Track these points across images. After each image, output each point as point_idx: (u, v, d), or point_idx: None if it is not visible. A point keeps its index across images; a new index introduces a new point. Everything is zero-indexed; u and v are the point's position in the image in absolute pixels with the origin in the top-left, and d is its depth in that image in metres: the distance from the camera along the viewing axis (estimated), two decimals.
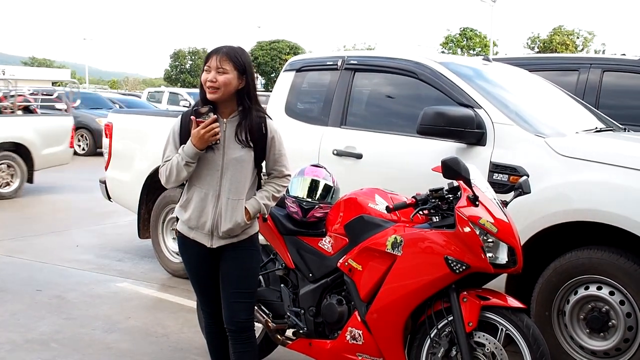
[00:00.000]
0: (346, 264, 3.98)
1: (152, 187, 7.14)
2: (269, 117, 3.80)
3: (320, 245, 4.22)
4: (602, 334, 4.33)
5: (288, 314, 4.33)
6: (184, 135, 3.66)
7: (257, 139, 3.70)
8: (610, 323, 4.27)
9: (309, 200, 4.32)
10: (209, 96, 3.58)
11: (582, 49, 54.96)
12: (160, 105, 28.66)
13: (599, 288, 4.30)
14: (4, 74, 60.43)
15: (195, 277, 3.90)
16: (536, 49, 56.25)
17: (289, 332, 4.41)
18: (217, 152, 3.62)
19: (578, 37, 56.79)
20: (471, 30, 64.60)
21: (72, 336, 5.27)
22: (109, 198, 7.87)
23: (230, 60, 3.58)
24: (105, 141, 7.69)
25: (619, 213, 4.18)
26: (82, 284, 6.70)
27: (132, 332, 5.41)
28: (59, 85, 54.68)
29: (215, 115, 3.55)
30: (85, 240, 8.73)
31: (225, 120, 3.65)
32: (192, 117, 3.52)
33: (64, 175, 14.56)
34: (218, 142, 3.57)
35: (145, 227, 7.32)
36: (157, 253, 7.22)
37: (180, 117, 3.78)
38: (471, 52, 59.98)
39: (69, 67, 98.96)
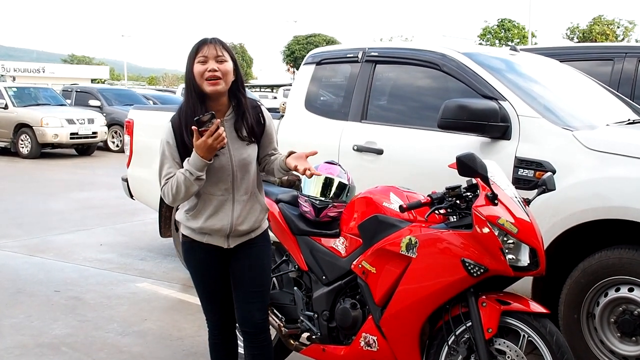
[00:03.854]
0: (360, 266, 3.80)
1: None
2: (260, 103, 3.63)
3: (334, 246, 4.04)
4: (634, 338, 4.09)
5: (301, 318, 4.17)
6: (181, 146, 3.36)
7: (258, 131, 3.53)
8: None
9: (322, 199, 4.15)
10: (210, 89, 3.31)
11: (623, 39, 54.05)
12: None
13: (631, 289, 4.07)
14: (43, 71, 61.50)
15: (204, 282, 3.65)
16: (575, 40, 55.47)
17: (303, 337, 4.25)
18: (223, 156, 3.39)
19: (618, 27, 55.89)
20: (509, 22, 63.98)
21: (84, 339, 5.17)
22: (131, 196, 7.76)
23: (226, 49, 3.39)
24: (126, 138, 7.59)
25: None
26: (101, 285, 6.63)
27: (146, 335, 5.30)
28: (98, 82, 55.39)
29: (219, 120, 3.23)
30: (110, 238, 8.68)
31: (222, 120, 3.39)
32: (193, 127, 3.19)
33: (96, 171, 14.63)
34: (224, 146, 3.30)
35: (166, 225, 7.19)
36: (178, 252, 7.05)
37: (169, 127, 3.41)
38: (509, 43, 59.25)
39: (108, 64, 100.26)
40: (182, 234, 3.60)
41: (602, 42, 46.38)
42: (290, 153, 3.51)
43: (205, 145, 3.19)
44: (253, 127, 3.48)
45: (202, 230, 3.47)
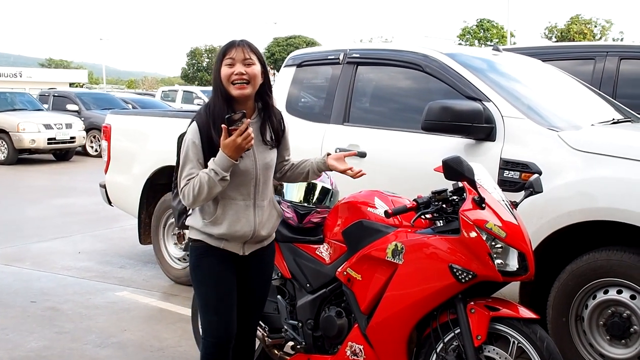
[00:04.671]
0: (345, 273, 3.72)
1: (153, 191, 6.93)
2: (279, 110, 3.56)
3: (318, 253, 3.96)
4: (623, 340, 4.05)
5: (285, 327, 4.08)
6: (207, 146, 3.24)
7: (280, 136, 3.47)
8: (632, 329, 3.99)
9: (305, 204, 4.07)
10: (237, 92, 3.21)
11: (600, 38, 54.34)
12: (175, 104, 28.56)
13: (619, 292, 4.02)
14: (20, 76, 61.02)
15: (214, 292, 3.41)
16: (553, 39, 55.75)
17: (287, 347, 4.16)
18: (248, 159, 3.28)
19: (596, 26, 56.18)
20: (488, 22, 64.20)
21: (61, 352, 5.03)
22: (110, 203, 7.63)
23: (254, 52, 3.28)
24: (103, 144, 7.47)
25: None
26: (79, 294, 6.48)
27: (126, 346, 5.16)
28: (76, 86, 55.08)
29: (249, 120, 3.13)
30: (88, 246, 8.53)
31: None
32: (223, 125, 3.07)
33: (75, 177, 14.46)
34: (250, 148, 3.19)
35: (146, 232, 7.10)
36: (159, 259, 6.99)
37: (195, 126, 3.28)
38: (488, 43, 59.52)
39: (87, 67, 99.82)
40: (193, 239, 3.43)
41: (580, 41, 46.71)
42: (328, 154, 3.60)
43: (234, 145, 3.09)
44: (278, 131, 3.43)
45: (223, 236, 3.35)
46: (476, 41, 61.92)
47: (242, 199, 3.32)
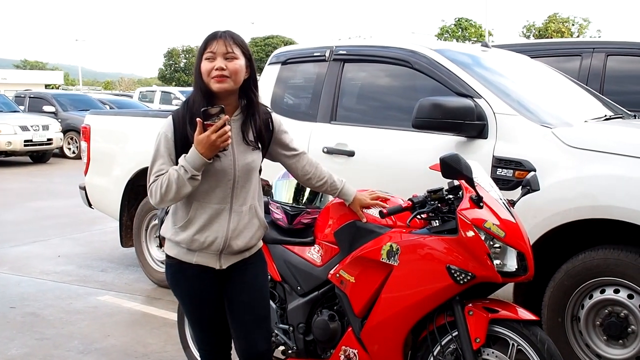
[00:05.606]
0: (337, 275, 3.61)
1: (134, 192, 6.80)
2: (270, 110, 3.31)
3: (309, 255, 3.84)
4: (621, 341, 3.99)
5: (276, 331, 3.96)
6: (180, 142, 3.01)
7: (266, 137, 3.21)
8: (629, 329, 3.94)
9: (295, 205, 3.96)
10: (216, 86, 2.96)
11: (578, 36, 54.73)
12: (153, 105, 28.38)
13: (616, 291, 3.96)
14: None
15: (195, 309, 3.22)
16: (532, 38, 56.03)
17: (278, 352, 4.05)
18: (225, 158, 3.02)
19: (573, 24, 56.56)
20: (466, 21, 64.47)
21: (43, 359, 4.89)
22: (90, 205, 7.48)
23: (238, 44, 3.02)
24: (83, 145, 7.31)
25: (637, 209, 3.81)
26: (60, 299, 6.34)
27: (109, 352, 5.03)
28: (52, 88, 54.63)
29: (227, 117, 2.89)
30: (68, 249, 8.37)
31: (230, 119, 3.04)
32: (198, 119, 2.85)
33: (53, 179, 14.26)
34: (227, 148, 2.96)
35: (128, 234, 6.96)
36: (141, 262, 6.86)
37: (170, 120, 3.07)
38: (467, 42, 59.79)
39: (63, 69, 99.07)
40: (168, 256, 3.20)
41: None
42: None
43: (208, 141, 2.85)
44: (261, 131, 3.16)
45: (192, 246, 3.08)
46: (454, 40, 62.14)
47: (216, 202, 3.07)
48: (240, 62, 3.02)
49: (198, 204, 3.06)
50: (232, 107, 3.09)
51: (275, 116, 3.32)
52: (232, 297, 3.22)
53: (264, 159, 3.32)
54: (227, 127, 2.88)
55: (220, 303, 3.23)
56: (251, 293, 3.23)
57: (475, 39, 57.47)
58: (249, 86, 3.10)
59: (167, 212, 3.29)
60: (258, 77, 3.51)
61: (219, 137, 2.85)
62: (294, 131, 5.29)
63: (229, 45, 2.99)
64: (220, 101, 3.02)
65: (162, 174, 2.97)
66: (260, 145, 3.18)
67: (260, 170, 3.28)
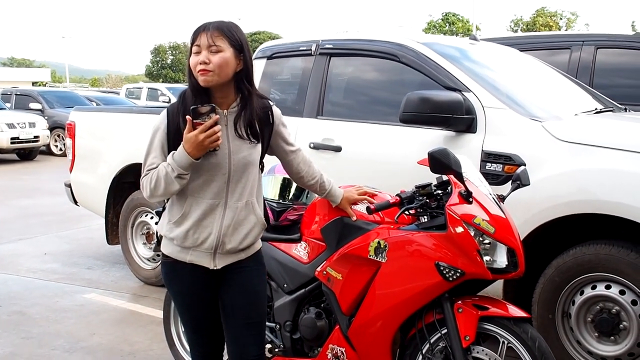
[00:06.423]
0: (324, 272, 3.54)
1: (119, 189, 6.75)
2: (272, 102, 3.22)
3: (295, 252, 3.78)
4: (612, 337, 3.96)
5: None
6: (173, 136, 2.94)
7: (264, 130, 3.10)
8: (621, 325, 3.91)
9: (281, 201, 3.90)
10: (201, 80, 2.86)
11: (566, 30, 54.87)
12: (140, 102, 28.26)
13: (608, 287, 3.92)
14: None
15: (190, 311, 3.16)
16: (519, 32, 56.16)
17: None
18: (221, 153, 2.93)
19: (561, 18, 56.72)
20: (454, 15, 64.55)
21: (28, 358, 4.83)
22: (76, 202, 7.41)
23: (224, 35, 2.89)
24: (68, 142, 7.23)
25: (629, 204, 3.77)
26: (46, 297, 6.27)
27: (96, 351, 4.97)
28: (39, 85, 54.40)
29: (218, 116, 2.82)
30: (54, 247, 8.29)
31: (225, 112, 2.97)
32: (188, 117, 2.78)
33: (39, 177, 14.15)
34: (217, 149, 2.87)
35: (114, 232, 6.91)
36: (128, 260, 6.80)
37: (165, 113, 3.01)
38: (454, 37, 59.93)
39: (50, 66, 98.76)
40: (163, 254, 3.13)
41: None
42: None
43: (196, 141, 2.78)
44: (256, 125, 3.05)
45: (185, 243, 3.01)
46: (442, 35, 62.28)
47: (211, 197, 2.98)
48: (225, 54, 2.89)
49: (193, 198, 2.99)
50: (229, 100, 2.99)
51: (276, 109, 3.22)
52: (225, 300, 3.14)
53: (266, 154, 3.23)
54: (217, 127, 2.81)
55: (214, 305, 3.16)
56: (245, 296, 3.14)
57: (462, 34, 57.51)
58: (242, 79, 2.99)
59: (164, 208, 3.21)
60: None
61: (207, 137, 2.78)
62: None
63: (213, 38, 2.88)
64: (216, 92, 2.94)
65: (154, 168, 2.92)
66: (259, 140, 3.08)
67: (262, 166, 3.20)
